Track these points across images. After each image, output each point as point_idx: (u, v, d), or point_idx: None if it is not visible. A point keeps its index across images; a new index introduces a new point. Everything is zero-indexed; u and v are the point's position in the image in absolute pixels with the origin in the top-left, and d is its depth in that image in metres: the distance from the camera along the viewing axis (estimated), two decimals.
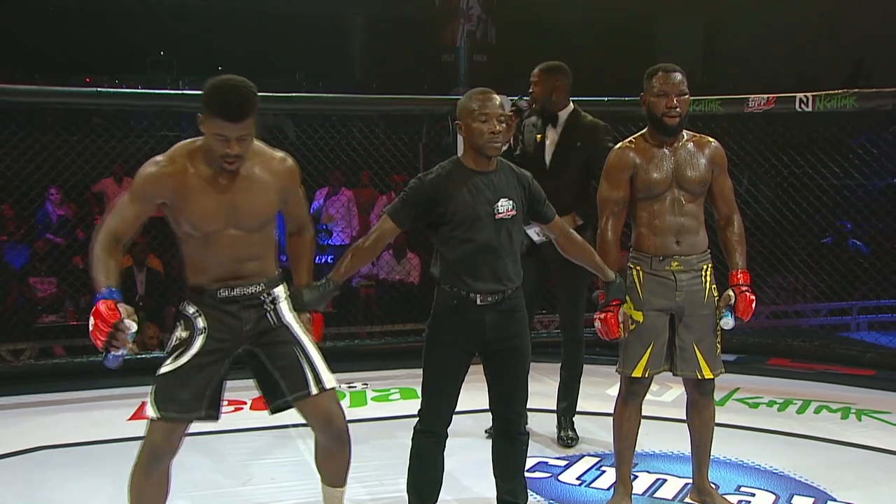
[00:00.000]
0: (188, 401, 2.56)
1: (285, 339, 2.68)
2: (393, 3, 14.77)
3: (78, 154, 5.72)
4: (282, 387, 2.65)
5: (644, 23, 15.75)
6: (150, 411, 2.55)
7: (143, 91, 6.52)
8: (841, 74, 11.45)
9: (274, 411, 2.73)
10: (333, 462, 2.82)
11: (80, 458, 3.92)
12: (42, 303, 6.52)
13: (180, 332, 2.61)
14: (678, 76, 3.04)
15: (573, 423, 4.10)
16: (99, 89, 5.43)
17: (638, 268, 3.11)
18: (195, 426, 2.68)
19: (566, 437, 4.03)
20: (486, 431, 4.02)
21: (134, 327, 2.35)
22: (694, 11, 15.40)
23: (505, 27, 14.50)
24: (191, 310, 2.61)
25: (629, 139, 3.16)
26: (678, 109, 3.02)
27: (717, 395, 4.67)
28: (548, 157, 3.95)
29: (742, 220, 3.23)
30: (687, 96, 3.05)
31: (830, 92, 4.99)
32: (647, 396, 4.56)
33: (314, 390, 2.65)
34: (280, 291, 2.71)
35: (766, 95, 5.18)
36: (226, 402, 2.68)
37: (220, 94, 2.40)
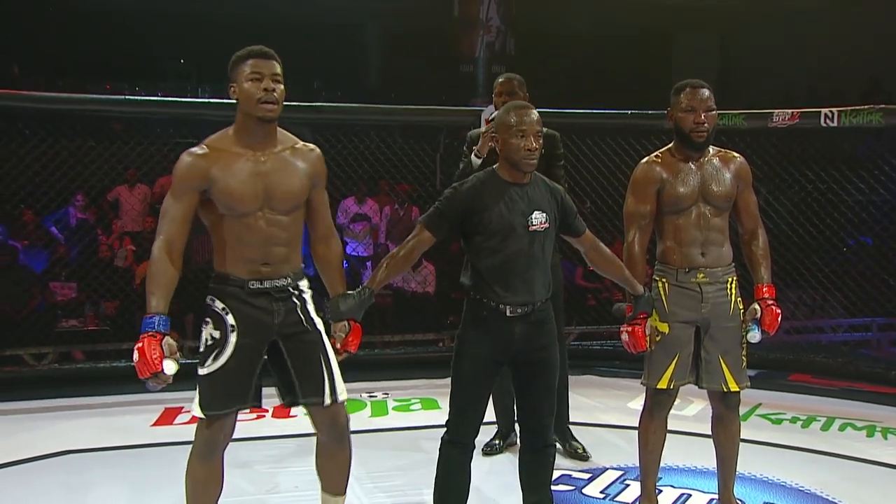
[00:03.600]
0: (232, 397, 2.63)
1: (313, 342, 2.73)
2: (411, 14, 14.80)
3: (105, 161, 5.76)
4: (296, 388, 2.72)
5: (661, 37, 15.75)
6: (197, 412, 2.62)
7: (169, 99, 6.56)
8: (858, 89, 11.41)
9: (287, 406, 2.82)
10: (334, 463, 2.86)
11: (105, 462, 3.94)
12: (63, 307, 6.54)
13: (211, 331, 2.64)
14: (706, 92, 3.05)
15: (572, 433, 4.08)
16: (128, 97, 5.48)
17: (663, 280, 3.12)
18: None
19: (572, 448, 4.01)
20: (482, 449, 3.98)
21: (173, 370, 2.45)
22: (710, 25, 15.39)
23: (523, 39, 14.49)
24: (219, 306, 2.64)
25: (655, 154, 3.17)
26: (706, 125, 3.03)
27: (740, 411, 4.67)
28: None
29: (766, 235, 3.24)
30: (714, 112, 3.06)
31: (856, 108, 4.97)
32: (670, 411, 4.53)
33: (328, 401, 2.73)
34: (305, 286, 2.76)
35: (790, 110, 5.16)
36: (248, 410, 2.72)
37: (245, 49, 2.62)
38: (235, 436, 3.90)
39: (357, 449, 3.96)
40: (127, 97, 5.47)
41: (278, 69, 2.62)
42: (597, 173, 5.89)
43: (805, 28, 13.27)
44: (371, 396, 5.04)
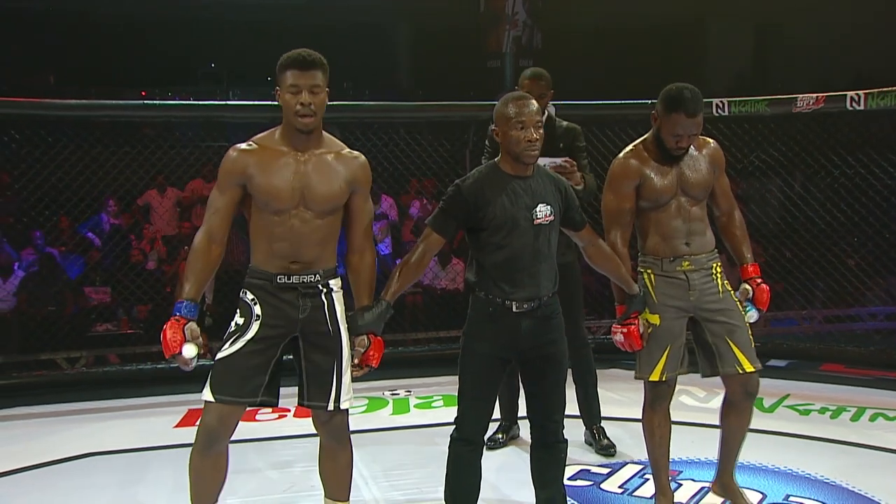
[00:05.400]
0: (243, 386, 2.66)
1: (331, 349, 2.75)
2: (438, 11, 14.81)
3: (126, 165, 5.84)
4: (304, 389, 2.76)
5: (693, 26, 15.51)
6: (206, 394, 2.65)
7: (189, 102, 6.67)
8: (894, 74, 11.12)
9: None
10: (335, 466, 2.87)
11: (129, 464, 3.99)
12: (96, 311, 6.65)
13: (237, 318, 2.71)
14: (699, 119, 2.95)
15: (604, 430, 4.04)
16: (146, 102, 5.55)
17: (649, 271, 3.10)
18: (238, 432, 2.76)
19: (603, 446, 3.96)
20: (486, 444, 3.93)
21: (192, 353, 2.56)
22: (744, 13, 15.12)
23: (550, 32, 14.41)
24: (249, 297, 2.71)
25: (629, 149, 3.13)
26: (686, 146, 3.01)
27: (767, 402, 4.59)
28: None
29: (742, 215, 3.25)
30: (698, 132, 3.01)
31: (884, 90, 4.84)
32: (693, 403, 4.48)
33: (331, 407, 2.75)
34: (335, 284, 2.77)
35: (814, 95, 5.04)
36: (269, 409, 2.74)
37: (289, 53, 2.67)
38: (254, 435, 3.94)
39: (375, 446, 4.02)
40: (147, 102, 5.55)
41: (318, 79, 2.64)
42: None
43: (842, 13, 12.98)
44: (393, 394, 5.04)
